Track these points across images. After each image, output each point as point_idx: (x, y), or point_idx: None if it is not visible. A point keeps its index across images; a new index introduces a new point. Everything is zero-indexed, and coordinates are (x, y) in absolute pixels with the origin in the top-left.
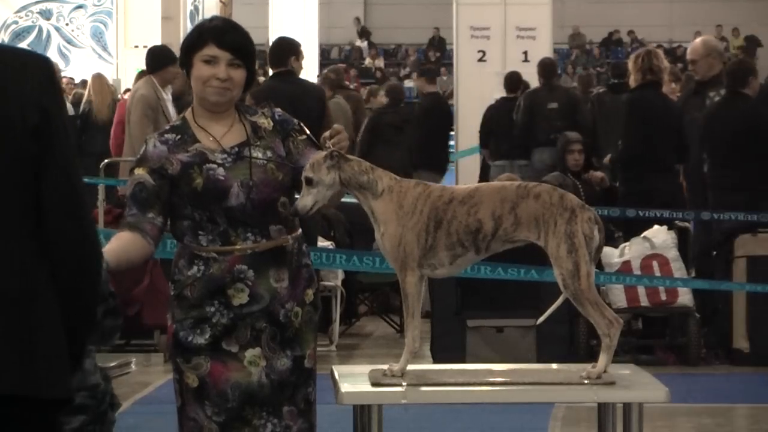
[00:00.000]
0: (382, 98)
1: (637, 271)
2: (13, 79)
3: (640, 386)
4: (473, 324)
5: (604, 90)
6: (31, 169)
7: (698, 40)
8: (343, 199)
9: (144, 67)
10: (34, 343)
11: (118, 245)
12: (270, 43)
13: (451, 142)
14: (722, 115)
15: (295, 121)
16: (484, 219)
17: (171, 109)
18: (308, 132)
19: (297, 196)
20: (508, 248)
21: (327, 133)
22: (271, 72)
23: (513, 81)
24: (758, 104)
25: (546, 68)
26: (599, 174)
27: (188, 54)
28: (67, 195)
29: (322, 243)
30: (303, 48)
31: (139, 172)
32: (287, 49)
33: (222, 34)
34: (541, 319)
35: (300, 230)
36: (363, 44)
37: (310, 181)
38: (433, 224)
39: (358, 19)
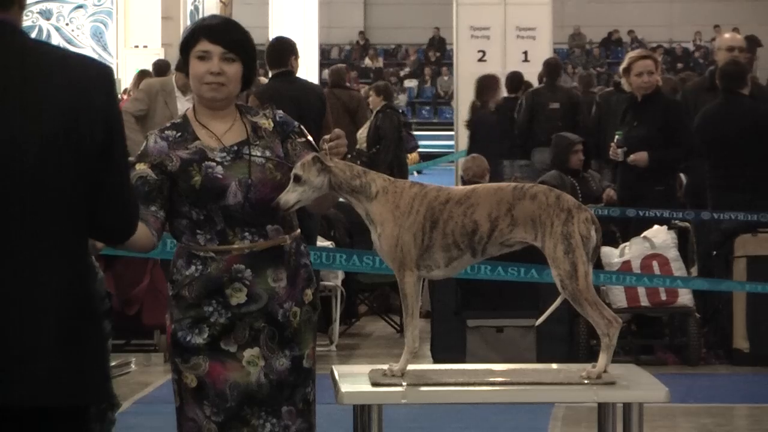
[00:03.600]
0: (375, 98)
1: (637, 271)
2: (84, 95)
3: (640, 386)
4: (473, 324)
5: (611, 89)
6: (91, 183)
7: (736, 34)
8: (343, 199)
9: (144, 68)
10: (96, 355)
11: None
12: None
13: (451, 142)
14: (722, 115)
15: (296, 123)
16: (481, 220)
17: (181, 109)
18: (308, 135)
19: None
20: (504, 252)
21: (327, 136)
22: (270, 72)
23: (514, 81)
24: (760, 103)
25: (551, 68)
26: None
27: (184, 53)
28: (122, 208)
29: (322, 243)
30: (303, 48)
31: (141, 167)
32: (288, 49)
33: (213, 29)
34: (540, 320)
35: (299, 230)
36: (365, 55)
37: (298, 179)
38: (429, 224)
39: (362, 33)
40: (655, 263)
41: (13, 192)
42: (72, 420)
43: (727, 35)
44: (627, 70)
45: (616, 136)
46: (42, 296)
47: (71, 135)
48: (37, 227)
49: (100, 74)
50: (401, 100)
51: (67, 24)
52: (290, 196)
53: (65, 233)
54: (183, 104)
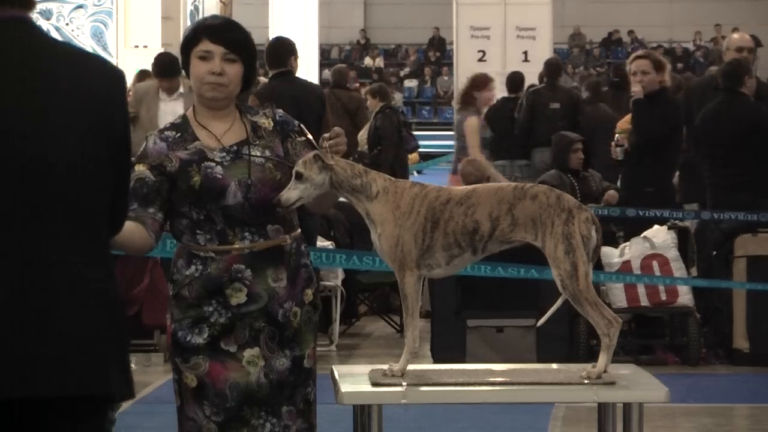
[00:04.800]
0: (372, 101)
1: (637, 271)
2: (112, 89)
3: (640, 386)
4: (473, 324)
5: (606, 89)
6: (114, 174)
7: (745, 34)
8: (343, 199)
9: (144, 68)
10: (124, 343)
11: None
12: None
13: (451, 142)
14: (722, 115)
15: (296, 122)
16: (481, 220)
17: (165, 111)
18: (308, 134)
19: None
20: (505, 248)
21: (326, 135)
22: (270, 72)
23: (515, 81)
24: (760, 103)
25: (551, 68)
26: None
27: (185, 52)
28: (126, 199)
29: (322, 243)
30: (303, 48)
31: (140, 168)
32: (287, 49)
33: (215, 29)
34: (542, 321)
35: (299, 230)
36: (366, 55)
37: (299, 176)
38: (430, 224)
39: (363, 32)
40: (655, 263)
41: (45, 190)
42: (98, 410)
43: (735, 35)
44: (628, 71)
45: (617, 135)
46: (86, 288)
47: (97, 128)
48: (76, 219)
49: (115, 74)
50: (397, 99)
51: (67, 24)
52: (292, 194)
53: (99, 225)
54: (167, 105)
